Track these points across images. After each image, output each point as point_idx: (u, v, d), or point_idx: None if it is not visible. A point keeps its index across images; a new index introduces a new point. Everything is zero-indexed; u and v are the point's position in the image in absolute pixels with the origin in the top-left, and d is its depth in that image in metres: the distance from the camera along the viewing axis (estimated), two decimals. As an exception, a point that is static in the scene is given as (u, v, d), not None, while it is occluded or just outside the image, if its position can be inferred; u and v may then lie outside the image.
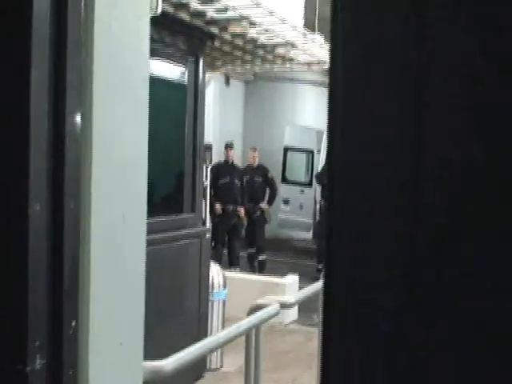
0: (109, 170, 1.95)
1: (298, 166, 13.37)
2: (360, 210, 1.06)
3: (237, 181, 9.70)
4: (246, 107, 15.26)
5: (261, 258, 10.50)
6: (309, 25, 5.88)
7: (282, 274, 8.93)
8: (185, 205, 5.19)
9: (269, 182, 10.69)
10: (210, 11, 4.39)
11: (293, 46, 5.33)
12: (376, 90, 1.04)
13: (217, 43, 5.29)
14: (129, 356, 2.10)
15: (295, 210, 13.10)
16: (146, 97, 2.12)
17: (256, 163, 10.78)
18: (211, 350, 2.83)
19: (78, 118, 1.80)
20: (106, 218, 1.94)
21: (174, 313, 5.09)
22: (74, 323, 1.84)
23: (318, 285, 4.48)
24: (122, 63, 1.99)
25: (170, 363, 2.38)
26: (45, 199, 1.71)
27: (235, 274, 8.01)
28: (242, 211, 9.67)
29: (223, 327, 5.84)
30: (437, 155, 1.00)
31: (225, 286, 5.81)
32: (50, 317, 1.76)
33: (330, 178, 1.17)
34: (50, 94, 1.72)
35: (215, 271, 5.71)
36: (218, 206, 9.16)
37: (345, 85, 1.07)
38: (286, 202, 13.20)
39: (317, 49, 5.47)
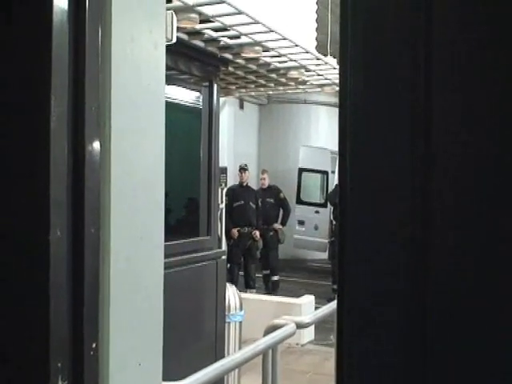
0: (127, 195, 2.00)
1: (312, 187, 13.41)
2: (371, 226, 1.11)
3: (251, 203, 9.76)
4: (261, 130, 15.36)
5: (274, 278, 10.54)
6: (321, 47, 5.95)
7: (298, 294, 8.95)
8: (201, 228, 5.25)
9: (281, 203, 10.76)
10: (224, 38, 4.48)
11: (306, 69, 5.40)
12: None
13: (230, 68, 5.38)
14: (148, 377, 2.14)
15: (310, 231, 13.11)
16: (163, 123, 2.18)
17: (266, 185, 10.86)
18: (228, 371, 2.86)
19: (97, 145, 1.86)
20: (125, 243, 2.00)
21: (190, 335, 5.12)
22: (94, 345, 1.89)
23: (334, 304, 4.49)
24: (139, 91, 2.05)
25: (188, 384, 2.42)
26: (65, 225, 1.77)
27: (251, 296, 8.03)
28: (257, 233, 9.71)
29: (240, 349, 5.85)
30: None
31: (241, 308, 5.83)
32: (71, 339, 1.81)
33: (341, 198, 1.22)
34: (69, 122, 1.79)
35: (231, 293, 5.74)
36: (234, 231, 9.24)
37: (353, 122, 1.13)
38: (302, 222, 13.22)
39: (330, 71, 5.54)
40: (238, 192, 9.57)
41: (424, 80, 1.07)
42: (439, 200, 1.09)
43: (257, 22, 3.98)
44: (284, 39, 4.39)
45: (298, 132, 14.97)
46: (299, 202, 13.30)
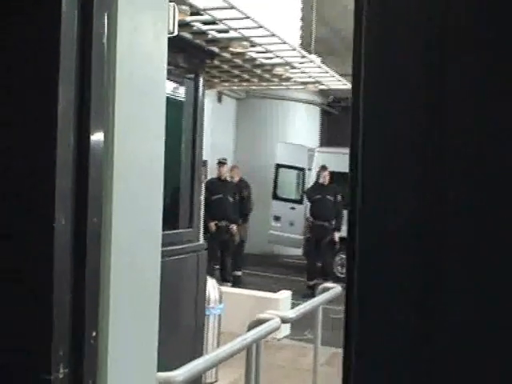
0: (129, 186, 2.01)
1: (289, 183, 13.47)
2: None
3: (230, 197, 9.78)
4: (238, 124, 15.37)
5: (237, 273, 10.60)
6: (305, 46, 6.00)
7: (272, 289, 8.99)
8: (183, 220, 5.25)
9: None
10: (212, 31, 4.49)
11: (291, 66, 5.43)
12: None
13: (216, 61, 5.39)
14: (144, 366, 2.16)
15: (286, 227, 13.17)
16: (163, 114, 2.20)
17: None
18: (219, 362, 2.89)
19: (101, 136, 1.87)
20: (126, 232, 2.01)
21: (170, 327, 5.13)
22: (94, 333, 1.90)
23: (316, 300, 4.55)
24: (143, 82, 2.06)
25: (181, 374, 2.44)
26: (69, 213, 1.78)
27: (228, 289, 8.05)
28: (234, 228, 9.74)
29: (218, 342, 5.88)
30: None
31: (221, 301, 5.86)
32: (72, 327, 1.82)
33: (351, 197, 1.25)
34: (75, 112, 1.79)
35: (211, 286, 5.77)
36: (211, 224, 9.24)
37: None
38: (277, 218, 13.28)
39: (314, 69, 5.58)
40: (217, 185, 9.59)
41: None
42: (451, 199, 1.13)
43: (247, 17, 4.00)
44: (272, 35, 4.41)
45: (275, 128, 15.01)
46: (275, 197, 13.35)
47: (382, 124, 1.20)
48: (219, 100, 14.21)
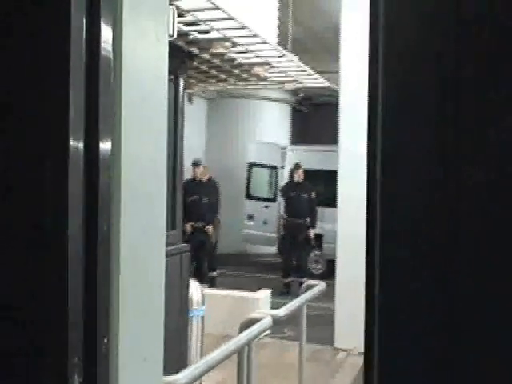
0: (136, 188, 2.01)
1: (262, 182, 13.50)
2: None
3: (204, 198, 9.76)
4: (209, 124, 15.35)
5: (213, 274, 10.58)
6: (282, 46, 6.02)
7: (248, 288, 9.00)
8: (167, 222, 5.23)
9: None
10: (194, 32, 4.48)
11: (270, 65, 5.45)
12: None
13: (194, 62, 5.39)
14: (151, 371, 2.16)
15: (259, 225, 13.20)
16: (165, 118, 2.20)
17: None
18: (217, 364, 2.89)
19: (109, 139, 1.86)
20: (133, 239, 2.00)
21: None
22: (105, 340, 1.89)
23: (304, 297, 4.59)
24: (146, 87, 2.06)
25: (184, 377, 2.44)
26: (82, 221, 1.77)
27: (208, 291, 8.04)
28: (210, 229, 9.73)
29: (202, 343, 5.88)
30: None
31: (203, 303, 5.85)
32: (85, 333, 1.81)
33: (369, 197, 1.27)
34: (86, 116, 1.78)
35: (194, 288, 5.75)
36: (188, 226, 9.21)
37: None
38: (251, 217, 13.30)
39: (292, 68, 5.61)
40: (192, 186, 9.56)
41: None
42: (468, 201, 1.16)
43: (231, 19, 4.00)
44: (255, 36, 4.42)
45: (246, 127, 15.02)
46: (248, 196, 13.37)
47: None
48: (190, 100, 14.17)
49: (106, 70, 1.85)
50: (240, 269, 13.07)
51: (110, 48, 1.86)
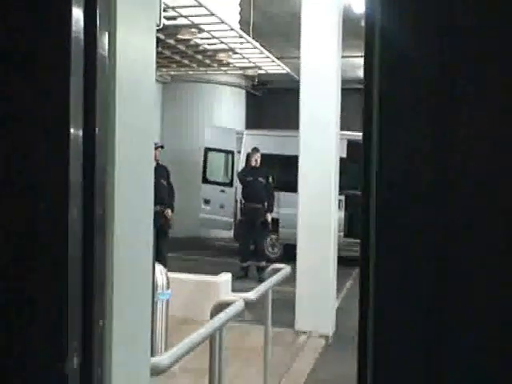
0: (127, 180, 2.07)
1: (218, 167, 13.54)
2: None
3: (163, 181, 9.75)
4: (164, 109, 15.27)
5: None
6: (244, 30, 6.07)
7: (207, 272, 9.05)
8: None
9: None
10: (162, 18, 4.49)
11: (233, 51, 5.50)
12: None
13: (159, 48, 5.39)
14: (140, 352, 2.22)
15: (216, 210, 13.25)
16: (152, 105, 2.25)
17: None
18: (196, 346, 2.96)
19: (105, 129, 1.90)
20: (125, 223, 2.06)
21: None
22: (101, 323, 1.94)
23: (272, 280, 4.69)
24: (137, 77, 2.11)
25: (166, 358, 2.52)
26: (80, 206, 1.81)
27: (169, 274, 8.08)
28: (169, 212, 9.74)
29: (167, 327, 5.94)
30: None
31: (168, 287, 5.90)
32: (83, 316, 1.86)
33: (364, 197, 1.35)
34: (83, 112, 1.82)
35: (159, 272, 5.80)
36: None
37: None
38: (207, 201, 13.33)
39: (255, 54, 5.67)
40: (151, 171, 9.55)
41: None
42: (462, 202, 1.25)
43: (200, 5, 4.04)
44: (222, 23, 4.47)
45: (201, 111, 15.01)
46: (205, 181, 13.39)
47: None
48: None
49: (102, 61, 1.89)
50: (196, 253, 13.12)
51: (105, 41, 1.90)
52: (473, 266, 1.24)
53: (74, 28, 1.76)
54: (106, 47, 1.90)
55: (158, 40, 5.08)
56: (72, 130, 1.75)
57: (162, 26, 2.09)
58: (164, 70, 6.70)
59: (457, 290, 1.26)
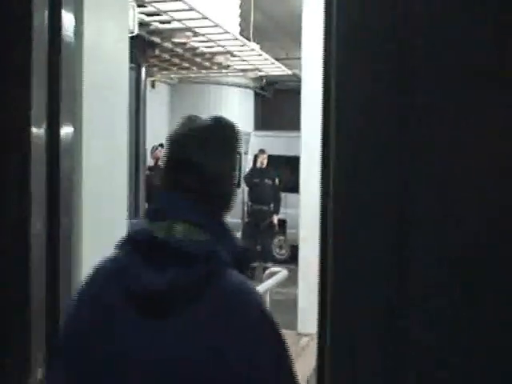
0: (96, 180, 2.04)
1: (225, 168, 13.47)
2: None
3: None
4: (172, 110, 15.25)
5: None
6: (244, 34, 6.04)
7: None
8: (129, 214, 5.24)
9: None
10: (155, 22, 4.48)
11: (232, 54, 5.47)
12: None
13: (156, 51, 5.38)
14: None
15: (224, 211, 13.15)
16: (126, 103, 2.22)
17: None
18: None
19: (70, 130, 1.87)
20: (95, 228, 2.03)
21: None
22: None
23: (269, 283, 4.67)
24: (106, 71, 2.08)
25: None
26: (43, 217, 1.79)
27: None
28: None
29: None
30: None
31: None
32: (49, 330, 1.84)
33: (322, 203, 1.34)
34: (47, 109, 1.80)
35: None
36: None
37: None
38: (215, 203, 13.28)
39: (254, 57, 5.64)
40: (157, 172, 9.55)
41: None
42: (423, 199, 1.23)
43: (191, 9, 4.02)
44: (216, 26, 4.44)
45: (210, 113, 14.91)
46: (212, 182, 13.34)
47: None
48: (152, 85, 14.07)
49: (68, 55, 1.85)
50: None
51: (71, 34, 1.87)
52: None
53: (36, 21, 1.73)
54: (73, 41, 1.87)
55: (155, 43, 5.07)
56: (34, 128, 1.71)
57: (136, 32, 2.06)
58: (165, 72, 6.68)
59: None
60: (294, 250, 12.02)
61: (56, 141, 1.83)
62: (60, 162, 1.84)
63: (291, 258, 11.66)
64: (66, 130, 1.86)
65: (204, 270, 1.26)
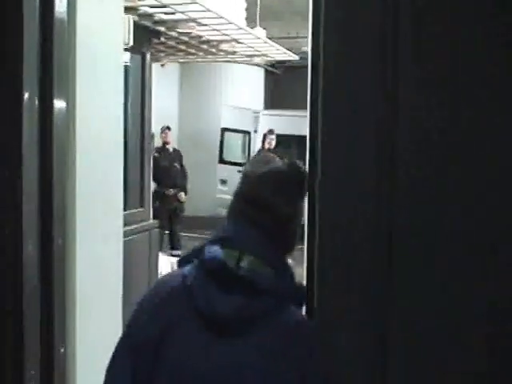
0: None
1: (235, 147, 13.47)
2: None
3: (176, 165, 9.74)
4: (182, 88, 15.20)
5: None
6: (251, 18, 5.99)
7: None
8: (134, 200, 5.25)
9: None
10: (159, 13, 4.46)
11: (237, 41, 5.44)
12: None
13: (162, 39, 5.36)
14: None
15: (233, 190, 13.15)
16: (121, 80, 2.23)
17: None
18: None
19: (63, 108, 1.87)
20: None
21: (123, 306, 5.18)
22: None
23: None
24: (99, 48, 2.07)
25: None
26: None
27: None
28: (182, 195, 9.73)
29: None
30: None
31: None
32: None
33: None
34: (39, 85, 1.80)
35: (163, 261, 5.82)
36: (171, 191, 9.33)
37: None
38: (224, 181, 13.31)
39: (260, 44, 5.60)
40: (164, 153, 9.58)
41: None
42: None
43: (194, 2, 3.99)
44: (219, 17, 4.41)
45: (219, 91, 14.91)
46: (222, 161, 13.35)
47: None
48: (162, 65, 14.00)
49: (60, 29, 1.84)
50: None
51: (64, 8, 1.86)
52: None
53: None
54: (65, 15, 1.86)
55: (160, 32, 5.05)
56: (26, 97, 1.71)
57: (131, 44, 2.06)
58: (172, 57, 6.66)
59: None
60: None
61: (49, 108, 1.83)
62: (53, 144, 1.85)
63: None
64: (58, 98, 1.84)
65: (270, 304, 1.41)
